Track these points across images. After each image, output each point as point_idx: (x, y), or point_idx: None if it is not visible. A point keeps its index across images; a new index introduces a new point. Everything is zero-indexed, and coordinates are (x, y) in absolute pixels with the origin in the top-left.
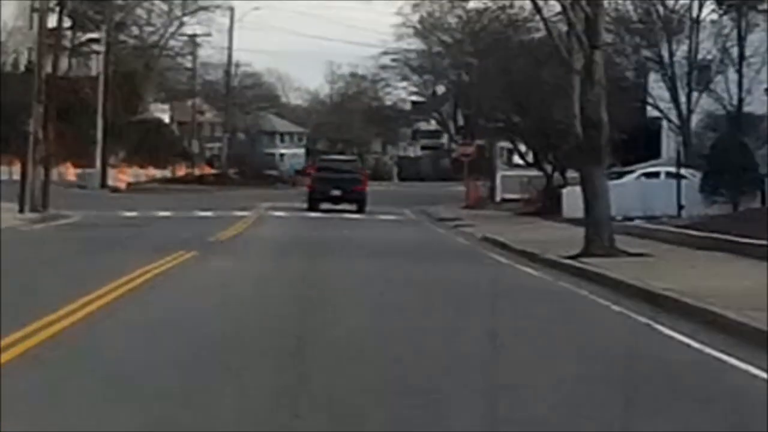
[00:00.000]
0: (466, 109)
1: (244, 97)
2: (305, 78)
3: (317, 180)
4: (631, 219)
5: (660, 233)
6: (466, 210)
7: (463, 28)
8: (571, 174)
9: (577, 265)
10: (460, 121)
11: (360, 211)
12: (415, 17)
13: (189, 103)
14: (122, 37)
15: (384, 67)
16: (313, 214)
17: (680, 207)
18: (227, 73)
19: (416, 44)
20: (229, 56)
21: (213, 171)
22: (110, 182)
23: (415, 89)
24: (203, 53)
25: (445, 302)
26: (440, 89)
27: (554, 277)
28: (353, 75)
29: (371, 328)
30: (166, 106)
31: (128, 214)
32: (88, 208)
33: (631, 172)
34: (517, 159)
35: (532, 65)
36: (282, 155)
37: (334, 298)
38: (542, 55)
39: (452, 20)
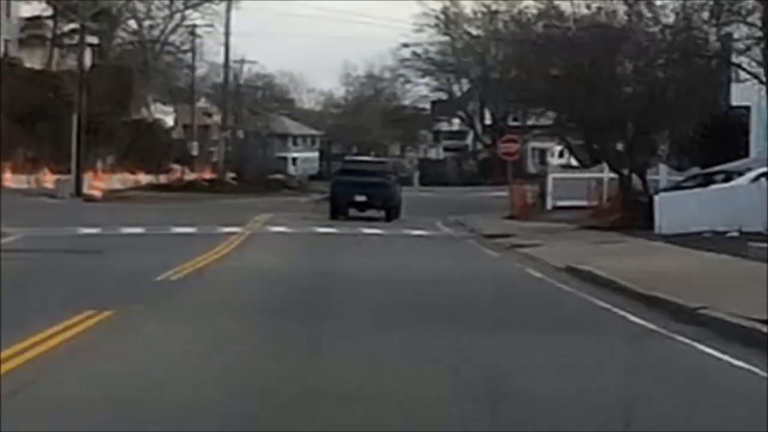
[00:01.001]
0: (494, 107)
1: (253, 97)
2: (319, 79)
3: (340, 184)
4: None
5: None
6: (511, 221)
7: (491, 20)
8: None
9: None
10: (487, 120)
11: (389, 219)
12: (438, 5)
13: (198, 103)
14: (121, 34)
15: (404, 61)
16: (322, 230)
17: None
18: (225, 64)
19: (438, 38)
20: (227, 44)
21: (208, 176)
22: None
23: (437, 85)
24: (211, 53)
25: None
26: (464, 85)
27: None
28: (370, 76)
29: None
30: (170, 108)
31: (87, 231)
32: (44, 224)
33: (719, 173)
34: (554, 160)
35: (602, 50)
36: (294, 159)
37: None
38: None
39: (477, 8)
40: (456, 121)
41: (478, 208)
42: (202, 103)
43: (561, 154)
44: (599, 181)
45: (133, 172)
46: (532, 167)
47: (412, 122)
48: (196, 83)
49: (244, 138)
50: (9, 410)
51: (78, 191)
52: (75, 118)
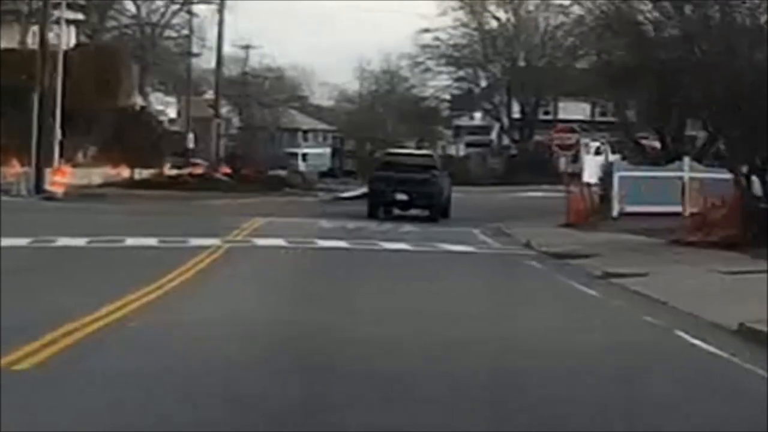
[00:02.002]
0: (523, 98)
1: (261, 88)
2: (332, 74)
3: (379, 180)
4: None
5: None
6: (570, 230)
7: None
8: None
9: None
10: (515, 113)
11: (434, 219)
12: None
13: (205, 96)
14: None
15: (424, 48)
16: (328, 243)
17: None
18: (219, 33)
19: (462, 20)
20: (221, 17)
21: (196, 172)
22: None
23: (460, 74)
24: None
25: None
26: (490, 75)
27: None
28: (385, 72)
29: None
30: (173, 99)
31: (10, 242)
32: None
33: None
34: (590, 157)
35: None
36: (305, 155)
37: None
38: None
39: None
40: (477, 115)
41: (517, 212)
42: (209, 95)
43: (598, 151)
44: (678, 181)
45: (116, 166)
46: (563, 165)
47: (431, 116)
48: (203, 74)
49: (243, 129)
50: None
51: (38, 187)
52: (35, 102)
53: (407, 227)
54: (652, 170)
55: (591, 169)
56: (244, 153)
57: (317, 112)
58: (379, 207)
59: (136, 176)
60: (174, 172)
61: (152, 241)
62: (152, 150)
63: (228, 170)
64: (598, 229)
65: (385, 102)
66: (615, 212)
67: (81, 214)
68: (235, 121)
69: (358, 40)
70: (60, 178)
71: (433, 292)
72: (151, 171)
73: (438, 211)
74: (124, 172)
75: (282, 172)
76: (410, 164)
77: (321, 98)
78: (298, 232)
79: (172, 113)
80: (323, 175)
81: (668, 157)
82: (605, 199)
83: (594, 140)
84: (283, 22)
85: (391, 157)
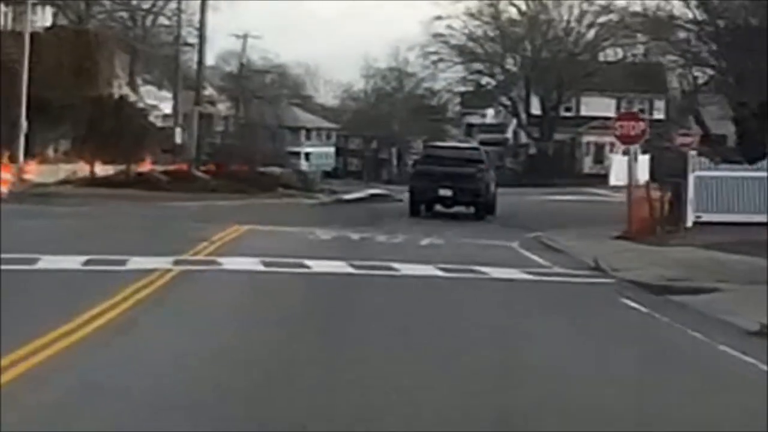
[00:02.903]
0: (543, 93)
1: (261, 82)
2: (338, 72)
3: (421, 175)
4: None
5: None
6: (632, 243)
7: None
8: None
9: None
10: (535, 109)
11: (480, 217)
12: None
13: (207, 90)
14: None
15: (437, 36)
16: (321, 264)
17: None
18: (202, 10)
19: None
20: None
21: (172, 168)
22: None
23: (475, 67)
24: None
25: None
26: (507, 68)
27: None
28: (392, 69)
29: None
30: (168, 94)
31: None
32: None
33: None
34: (618, 157)
35: None
36: (308, 154)
37: None
38: None
39: None
40: (490, 112)
41: (553, 219)
42: (208, 91)
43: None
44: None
45: (90, 162)
46: (586, 167)
47: (440, 113)
48: (201, 70)
49: (241, 125)
50: None
51: None
52: None
53: (426, 239)
54: (734, 169)
55: (619, 169)
56: (234, 148)
57: (321, 110)
58: (421, 204)
59: (100, 173)
60: (147, 169)
61: (76, 263)
62: (134, 145)
63: (212, 167)
64: (670, 242)
65: (391, 100)
66: (689, 221)
67: (14, 220)
68: (221, 108)
69: (364, 37)
70: (5, 174)
71: (507, 377)
72: (120, 168)
73: (484, 209)
74: (98, 169)
75: (277, 170)
76: (454, 158)
77: (325, 96)
78: (286, 246)
79: (167, 109)
80: (327, 175)
81: (748, 154)
82: (674, 204)
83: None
84: (287, 18)
85: (433, 150)
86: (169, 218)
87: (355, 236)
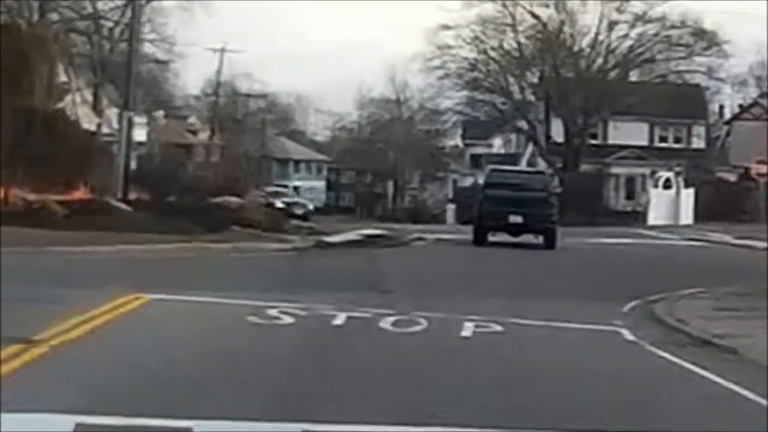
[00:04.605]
0: (567, 116)
1: (245, 109)
2: (329, 103)
3: (490, 200)
4: None
5: None
6: None
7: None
8: None
9: None
10: (557, 136)
11: (551, 245)
12: None
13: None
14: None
15: (442, 48)
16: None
17: None
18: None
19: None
20: None
21: (77, 197)
22: None
23: (490, 86)
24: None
25: None
26: (524, 88)
27: None
28: (387, 101)
29: None
30: (143, 119)
31: None
32: None
33: None
34: (658, 191)
35: None
36: (297, 188)
37: None
38: None
39: None
40: (497, 142)
41: (628, 272)
42: (191, 119)
43: (668, 184)
44: None
45: (7, 187)
46: (616, 202)
47: (442, 138)
48: (184, 97)
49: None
50: None
51: None
52: None
53: (469, 323)
54: None
55: (659, 205)
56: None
57: (312, 143)
58: (488, 231)
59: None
60: (57, 197)
61: None
62: (74, 169)
63: (138, 197)
64: None
65: (387, 132)
66: None
67: None
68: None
69: (358, 67)
70: None
71: None
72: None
73: (553, 238)
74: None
75: (233, 200)
76: (522, 183)
77: (316, 127)
78: (185, 353)
79: (141, 136)
80: (318, 211)
81: None
82: None
83: (663, 169)
84: (276, 46)
85: (499, 174)
86: (21, 275)
87: (338, 318)
